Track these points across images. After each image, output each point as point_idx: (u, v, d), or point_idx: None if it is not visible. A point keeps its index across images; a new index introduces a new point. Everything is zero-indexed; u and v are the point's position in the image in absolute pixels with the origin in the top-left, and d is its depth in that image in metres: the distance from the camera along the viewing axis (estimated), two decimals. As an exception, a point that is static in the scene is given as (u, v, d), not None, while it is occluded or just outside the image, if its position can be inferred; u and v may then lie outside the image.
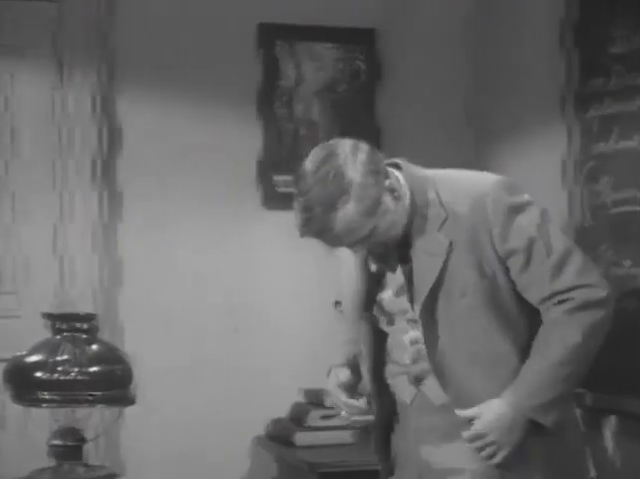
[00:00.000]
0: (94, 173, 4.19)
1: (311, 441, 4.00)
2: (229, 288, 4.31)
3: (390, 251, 2.49)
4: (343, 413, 2.64)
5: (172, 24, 4.31)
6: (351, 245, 2.43)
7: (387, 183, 2.40)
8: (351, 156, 2.38)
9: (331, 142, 2.44)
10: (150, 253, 4.26)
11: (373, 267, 2.57)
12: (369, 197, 2.36)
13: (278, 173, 4.37)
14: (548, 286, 2.42)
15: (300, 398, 4.20)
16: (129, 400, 3.45)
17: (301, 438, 4.00)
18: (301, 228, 2.39)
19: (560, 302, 2.43)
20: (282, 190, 4.35)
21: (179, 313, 4.25)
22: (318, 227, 2.36)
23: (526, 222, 2.44)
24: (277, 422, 4.22)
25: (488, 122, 4.36)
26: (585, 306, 2.43)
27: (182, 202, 4.30)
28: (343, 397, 2.61)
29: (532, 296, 2.46)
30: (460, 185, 2.49)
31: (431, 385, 2.51)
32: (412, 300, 2.49)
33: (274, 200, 4.35)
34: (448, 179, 2.51)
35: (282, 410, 4.23)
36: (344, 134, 4.29)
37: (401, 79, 4.51)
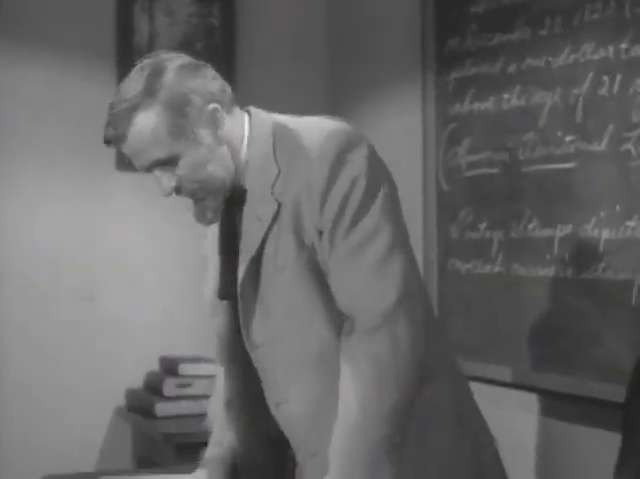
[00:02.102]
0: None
1: (172, 411, 3.91)
2: (84, 253, 4.19)
3: (211, 199, 2.04)
4: None
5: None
6: (150, 167, 1.99)
7: (210, 107, 1.99)
8: (180, 64, 2.00)
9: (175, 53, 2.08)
10: (5, 216, 4.10)
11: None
12: (180, 111, 1.95)
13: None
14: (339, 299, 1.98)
15: (156, 366, 4.12)
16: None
17: (162, 409, 3.90)
18: (103, 133, 1.99)
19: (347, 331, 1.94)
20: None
21: (34, 281, 4.13)
22: (113, 129, 1.95)
23: (344, 191, 1.95)
24: (133, 393, 4.13)
25: (349, 84, 4.32)
26: (369, 332, 1.90)
27: (40, 163, 4.15)
28: None
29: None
30: (296, 135, 2.02)
31: None
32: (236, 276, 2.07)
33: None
34: (287, 128, 2.05)
35: (141, 380, 4.15)
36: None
37: (258, 40, 4.43)
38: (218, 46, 4.34)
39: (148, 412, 3.93)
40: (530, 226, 3.17)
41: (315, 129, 2.03)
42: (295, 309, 2.01)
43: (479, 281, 3.31)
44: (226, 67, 4.33)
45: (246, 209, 2.04)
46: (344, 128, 2.02)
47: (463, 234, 3.47)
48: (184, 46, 4.28)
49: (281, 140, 2.03)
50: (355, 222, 1.94)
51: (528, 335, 3.18)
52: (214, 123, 1.99)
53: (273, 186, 2.00)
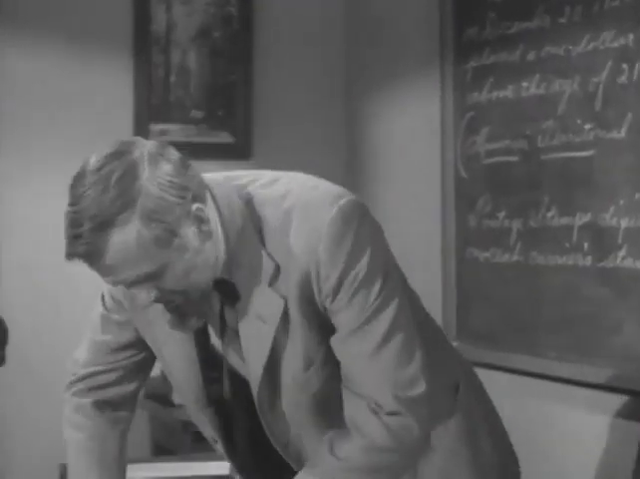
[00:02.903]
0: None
1: (188, 398, 3.90)
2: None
3: (193, 306, 1.79)
4: None
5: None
6: (132, 284, 1.73)
7: (194, 207, 1.71)
8: (149, 159, 1.68)
9: (131, 139, 1.75)
10: (21, 205, 4.12)
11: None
12: (162, 219, 1.67)
13: (155, 121, 4.25)
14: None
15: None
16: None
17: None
18: (66, 247, 1.70)
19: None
20: (155, 139, 4.23)
21: (51, 270, 4.13)
22: (85, 249, 1.67)
23: (364, 296, 1.77)
24: (150, 380, 4.10)
25: (367, 73, 4.30)
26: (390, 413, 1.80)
27: (55, 152, 4.14)
28: None
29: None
30: (289, 214, 1.78)
31: None
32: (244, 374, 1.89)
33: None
34: (272, 206, 1.80)
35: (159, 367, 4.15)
36: (216, 82, 4.33)
37: (275, 28, 4.42)
38: (236, 35, 4.33)
39: (165, 400, 3.93)
40: (549, 214, 3.16)
41: (316, 201, 1.79)
42: (330, 399, 1.85)
43: (497, 270, 3.31)
44: (243, 56, 4.33)
45: (241, 307, 1.81)
46: (353, 199, 1.80)
47: (481, 222, 3.46)
48: (202, 35, 4.28)
49: (268, 224, 1.78)
50: (377, 313, 1.78)
51: (547, 324, 3.18)
52: (199, 221, 1.72)
53: (272, 282, 1.77)
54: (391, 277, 1.81)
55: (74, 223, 1.67)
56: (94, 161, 1.69)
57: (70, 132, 4.15)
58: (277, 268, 1.77)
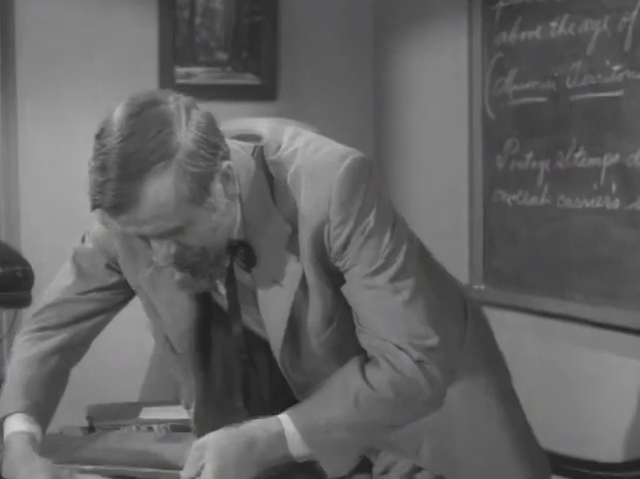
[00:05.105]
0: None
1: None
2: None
3: (207, 264, 1.76)
4: None
5: None
6: (154, 236, 1.69)
7: (225, 165, 1.69)
8: (185, 112, 1.65)
9: (162, 90, 1.72)
10: (47, 149, 4.11)
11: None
12: (198, 175, 1.65)
13: (180, 64, 4.23)
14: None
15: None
16: (25, 302, 3.36)
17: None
18: (92, 196, 1.64)
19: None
20: (180, 81, 4.22)
21: (79, 212, 4.13)
22: (116, 198, 1.61)
23: (374, 248, 1.78)
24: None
25: (394, 12, 4.27)
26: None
27: (80, 94, 4.13)
28: None
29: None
30: (298, 182, 1.77)
31: None
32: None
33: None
34: (283, 172, 1.78)
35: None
36: (242, 23, 4.30)
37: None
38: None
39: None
40: (577, 155, 3.14)
41: (322, 163, 1.78)
42: (355, 349, 1.84)
43: (524, 213, 3.30)
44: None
45: (257, 270, 1.80)
46: (357, 158, 1.79)
47: (508, 164, 3.45)
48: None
49: (279, 187, 1.78)
50: (387, 261, 1.78)
51: (574, 267, 3.17)
52: (227, 181, 1.71)
53: (289, 246, 1.77)
54: (398, 227, 1.82)
55: (103, 170, 1.61)
56: (126, 109, 1.64)
57: (94, 75, 4.14)
58: (293, 232, 1.76)
